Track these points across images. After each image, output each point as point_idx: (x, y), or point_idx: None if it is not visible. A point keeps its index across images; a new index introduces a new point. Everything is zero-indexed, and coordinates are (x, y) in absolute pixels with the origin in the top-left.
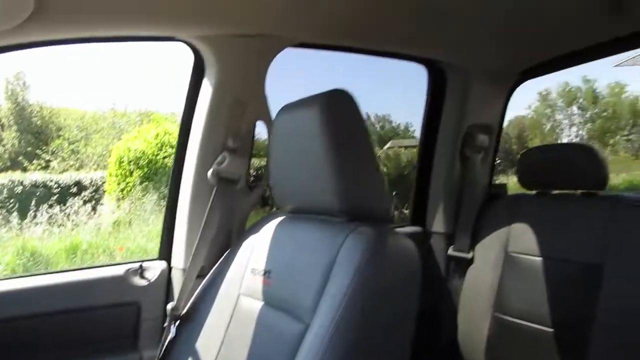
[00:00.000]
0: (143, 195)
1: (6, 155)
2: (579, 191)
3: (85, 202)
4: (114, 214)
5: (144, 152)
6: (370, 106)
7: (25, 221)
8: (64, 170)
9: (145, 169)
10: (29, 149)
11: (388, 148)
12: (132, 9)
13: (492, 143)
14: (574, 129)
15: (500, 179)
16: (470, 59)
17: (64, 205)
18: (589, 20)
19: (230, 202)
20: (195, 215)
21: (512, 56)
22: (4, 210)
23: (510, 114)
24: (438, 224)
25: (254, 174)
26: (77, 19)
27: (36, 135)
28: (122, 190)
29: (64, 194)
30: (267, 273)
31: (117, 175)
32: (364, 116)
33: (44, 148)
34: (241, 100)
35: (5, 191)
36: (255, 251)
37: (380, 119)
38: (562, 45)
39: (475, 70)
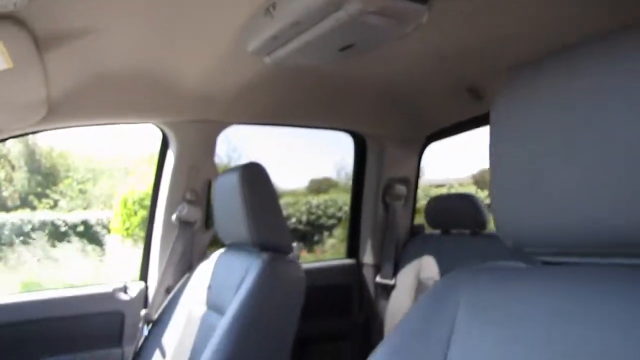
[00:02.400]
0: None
1: (16, 195)
2: (468, 231)
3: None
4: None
5: (147, 194)
6: None
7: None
8: (71, 210)
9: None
10: (39, 189)
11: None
12: (120, 106)
13: (410, 192)
14: None
15: None
16: (382, 130)
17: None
18: (459, 103)
19: (189, 239)
20: (164, 249)
21: (415, 126)
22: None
23: None
24: (368, 257)
25: None
26: (81, 115)
27: (45, 176)
28: (126, 229)
29: (71, 232)
30: (210, 287)
31: (122, 215)
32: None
33: (53, 188)
34: (195, 166)
35: (16, 229)
36: (204, 273)
37: None
38: (447, 120)
39: (388, 138)
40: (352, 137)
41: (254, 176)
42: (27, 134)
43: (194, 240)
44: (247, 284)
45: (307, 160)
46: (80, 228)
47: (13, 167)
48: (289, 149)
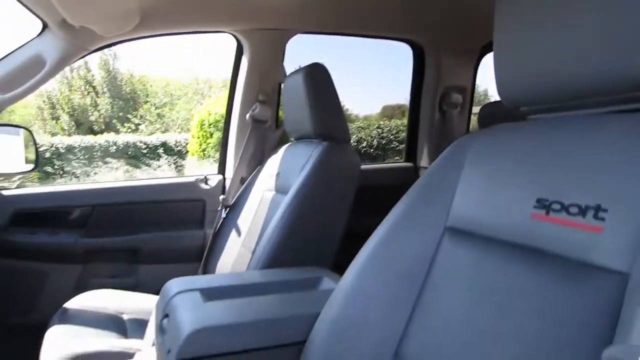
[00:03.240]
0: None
1: (101, 119)
2: None
3: (169, 161)
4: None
5: (222, 116)
6: None
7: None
8: (151, 133)
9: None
10: (120, 113)
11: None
12: (201, 15)
13: (466, 100)
14: None
15: None
16: (440, 39)
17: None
18: None
19: (261, 135)
20: (238, 145)
21: (471, 35)
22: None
23: None
24: (424, 161)
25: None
26: (166, 24)
27: (126, 101)
28: (203, 150)
29: (152, 154)
30: (278, 174)
31: (198, 137)
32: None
33: (133, 113)
34: (266, 71)
35: (102, 150)
36: (274, 163)
37: None
38: None
39: (445, 47)
40: (411, 47)
41: (316, 75)
42: (119, 42)
43: (265, 137)
44: (309, 166)
45: (381, 88)
46: (160, 150)
47: (97, 93)
48: (366, 77)
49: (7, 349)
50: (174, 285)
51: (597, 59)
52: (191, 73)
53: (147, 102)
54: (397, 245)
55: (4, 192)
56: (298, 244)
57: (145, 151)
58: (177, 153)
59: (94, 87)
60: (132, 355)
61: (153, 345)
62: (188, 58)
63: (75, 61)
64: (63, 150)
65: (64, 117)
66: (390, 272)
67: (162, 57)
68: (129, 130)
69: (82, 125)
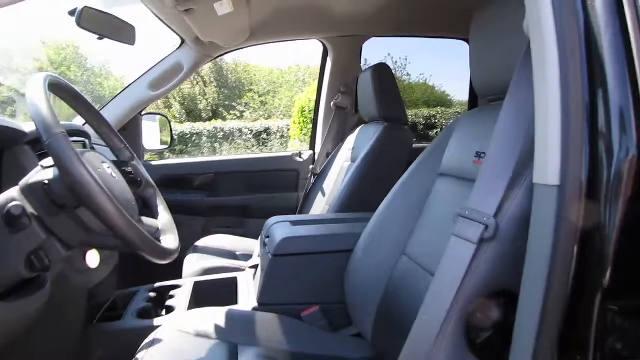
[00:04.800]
0: None
1: (209, 107)
2: None
3: (273, 145)
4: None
5: None
6: None
7: None
8: (255, 120)
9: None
10: (226, 102)
11: None
12: (296, 28)
13: None
14: None
15: None
16: None
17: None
18: None
19: (342, 119)
20: (325, 126)
21: None
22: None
23: None
24: None
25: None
26: (271, 35)
27: (232, 90)
28: (304, 135)
29: (256, 139)
30: (354, 149)
31: (299, 123)
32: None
33: (238, 101)
34: (347, 68)
35: (211, 136)
36: (351, 140)
37: None
38: None
39: None
40: (468, 43)
41: (381, 72)
42: (234, 50)
43: (345, 120)
44: (373, 140)
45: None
46: (264, 135)
47: (205, 83)
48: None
49: (159, 270)
50: (273, 219)
51: (495, 70)
52: (292, 60)
53: (250, 90)
54: (410, 186)
55: (153, 162)
56: (362, 196)
57: (249, 136)
58: (279, 137)
59: (202, 78)
60: (244, 269)
61: (258, 256)
62: (289, 47)
63: (202, 66)
64: (176, 137)
65: (176, 106)
66: (405, 202)
67: (264, 47)
68: (234, 117)
69: (192, 113)
